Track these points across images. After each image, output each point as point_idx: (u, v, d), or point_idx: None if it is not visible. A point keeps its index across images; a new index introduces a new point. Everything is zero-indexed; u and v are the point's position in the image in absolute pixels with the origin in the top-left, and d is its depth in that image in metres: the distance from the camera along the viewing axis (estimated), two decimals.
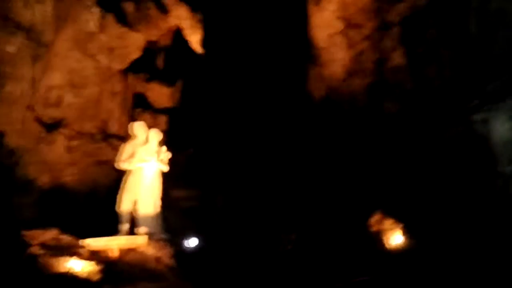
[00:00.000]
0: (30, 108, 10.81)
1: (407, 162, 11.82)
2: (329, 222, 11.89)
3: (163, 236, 10.17)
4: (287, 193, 12.96)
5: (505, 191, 9.88)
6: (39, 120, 11.00)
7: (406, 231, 10.81)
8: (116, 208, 10.09)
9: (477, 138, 10.41)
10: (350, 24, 13.49)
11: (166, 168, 10.56)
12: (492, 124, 10.19)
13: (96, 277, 8.52)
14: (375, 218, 11.50)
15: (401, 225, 10.98)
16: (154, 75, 13.28)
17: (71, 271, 8.36)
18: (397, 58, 12.71)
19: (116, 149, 10.93)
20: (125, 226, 10.05)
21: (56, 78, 11.23)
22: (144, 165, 10.30)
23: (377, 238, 11.21)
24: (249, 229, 12.23)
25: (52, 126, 11.15)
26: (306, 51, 14.16)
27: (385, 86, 13.05)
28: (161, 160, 10.48)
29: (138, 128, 10.60)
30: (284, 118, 14.16)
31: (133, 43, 12.27)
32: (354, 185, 12.33)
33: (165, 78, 13.43)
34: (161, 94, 13.29)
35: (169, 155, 10.67)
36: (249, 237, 11.95)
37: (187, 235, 11.56)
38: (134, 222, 10.14)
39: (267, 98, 14.35)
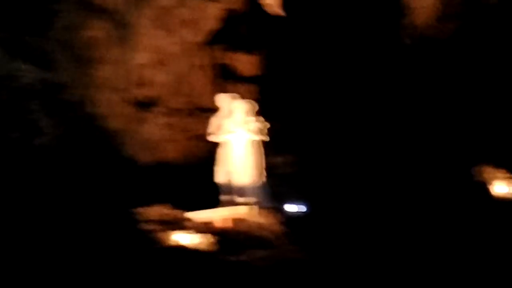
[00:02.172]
0: (124, 89, 11.08)
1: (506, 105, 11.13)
2: (433, 174, 11.39)
3: (267, 203, 10.05)
4: (385, 147, 12.47)
5: None
6: (134, 101, 11.26)
7: None
8: (215, 180, 10.11)
9: None
10: None
11: (257, 137, 10.36)
12: None
13: (207, 248, 8.55)
14: (479, 168, 10.95)
15: (506, 174, 10.48)
16: (240, 45, 13.07)
17: (182, 243, 8.41)
18: None
19: (208, 122, 10.89)
20: (225, 197, 10.01)
21: (144, 57, 11.39)
22: (232, 136, 10.20)
23: (481, 188, 10.71)
24: (351, 189, 11.87)
25: (148, 105, 11.39)
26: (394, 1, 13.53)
27: (479, 29, 12.30)
28: (251, 130, 10.27)
29: (222, 99, 10.55)
30: (375, 75, 13.56)
31: (213, 13, 12.15)
32: (455, 134, 11.74)
33: (251, 47, 13.19)
34: (248, 64, 13.08)
35: (263, 124, 10.44)
36: (353, 197, 11.60)
37: (290, 202, 11.36)
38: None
39: (357, 56, 13.76)
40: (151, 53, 11.45)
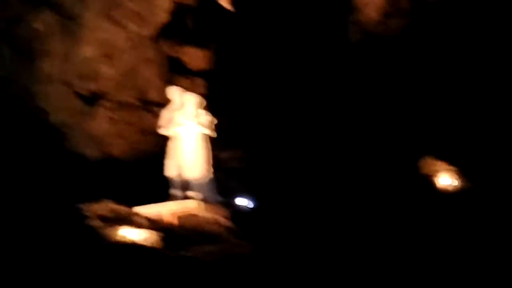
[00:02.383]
0: (67, 83, 10.79)
1: (448, 100, 11.47)
2: (379, 168, 11.64)
3: (217, 198, 10.08)
4: (332, 142, 12.66)
5: None
6: (78, 95, 11.02)
7: (457, 172, 10.60)
8: (165, 174, 10.06)
9: None
10: None
11: (207, 131, 10.37)
12: None
13: (155, 243, 8.48)
14: (424, 161, 11.28)
15: (450, 167, 10.79)
16: (188, 39, 12.97)
17: (129, 239, 8.32)
18: None
19: (158, 117, 10.84)
20: (175, 192, 9.98)
21: (88, 50, 11.17)
22: (182, 129, 10.16)
23: (427, 181, 11.01)
24: (299, 184, 12.01)
25: (93, 100, 11.16)
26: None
27: (425, 26, 12.63)
28: (201, 124, 10.28)
29: (173, 92, 10.48)
30: (323, 69, 13.72)
31: (161, 6, 12.04)
32: (400, 129, 12.03)
33: (199, 41, 13.11)
34: (196, 58, 12.99)
35: (211, 119, 10.44)
36: (300, 191, 11.73)
37: (240, 196, 11.40)
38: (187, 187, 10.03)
39: (305, 52, 13.89)
40: (97, 46, 11.25)
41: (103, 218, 8.62)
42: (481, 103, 10.90)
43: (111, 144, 11.15)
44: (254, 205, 11.28)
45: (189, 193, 9.89)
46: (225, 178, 11.40)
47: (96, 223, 8.45)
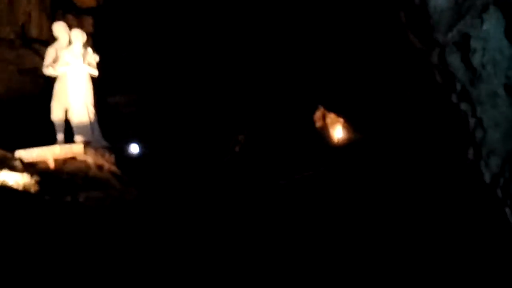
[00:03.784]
0: None
1: (342, 52, 11.67)
2: (275, 121, 11.77)
3: (102, 143, 9.68)
4: (231, 94, 12.60)
5: (442, 60, 9.81)
6: None
7: (349, 125, 10.91)
8: (51, 118, 9.48)
9: (412, 9, 10.18)
10: None
11: (95, 72, 9.79)
12: None
13: (34, 188, 8.01)
14: (318, 114, 11.51)
15: (342, 119, 11.08)
16: None
17: (8, 183, 7.79)
18: None
19: (39, 55, 10.09)
20: (60, 136, 9.48)
21: None
22: (70, 69, 9.51)
23: (321, 133, 11.29)
24: (195, 132, 11.89)
25: None
26: None
27: None
28: (89, 63, 9.70)
29: (59, 29, 9.68)
30: (217, 12, 13.41)
31: None
32: (294, 81, 12.15)
33: None
34: None
35: (96, 57, 9.88)
36: (195, 140, 11.64)
37: (129, 141, 11.08)
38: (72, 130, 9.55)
39: None
40: None
41: None
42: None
43: None
44: (143, 151, 11.07)
45: (76, 137, 9.43)
46: (114, 122, 11.02)
47: None
